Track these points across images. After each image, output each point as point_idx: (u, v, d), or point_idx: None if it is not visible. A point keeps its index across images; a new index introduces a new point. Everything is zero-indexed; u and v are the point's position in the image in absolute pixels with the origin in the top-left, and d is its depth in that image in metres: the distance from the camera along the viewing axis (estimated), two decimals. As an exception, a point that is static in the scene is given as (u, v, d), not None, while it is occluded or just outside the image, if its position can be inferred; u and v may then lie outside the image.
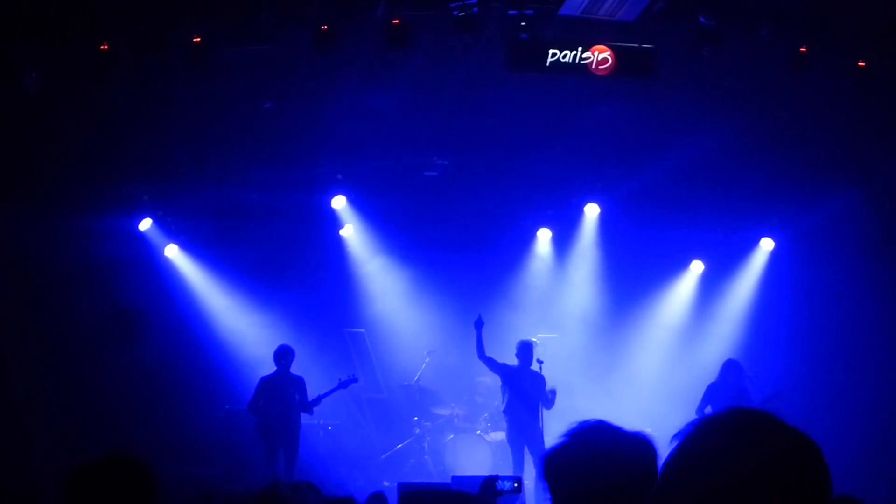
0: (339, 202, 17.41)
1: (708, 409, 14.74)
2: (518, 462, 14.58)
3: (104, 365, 16.06)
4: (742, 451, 2.02)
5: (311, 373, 15.45)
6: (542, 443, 14.24)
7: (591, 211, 18.02)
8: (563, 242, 18.42)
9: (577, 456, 2.90)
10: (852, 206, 16.21)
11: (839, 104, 14.41)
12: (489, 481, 8.15)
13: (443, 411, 16.95)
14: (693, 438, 2.09)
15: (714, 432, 2.09)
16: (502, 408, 15.14)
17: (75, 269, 15.75)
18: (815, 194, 16.45)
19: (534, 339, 15.41)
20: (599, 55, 12.79)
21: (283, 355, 14.86)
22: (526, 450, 14.65)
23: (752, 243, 18.06)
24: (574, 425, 2.99)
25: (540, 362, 14.87)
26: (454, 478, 13.81)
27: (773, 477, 2.00)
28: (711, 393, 14.88)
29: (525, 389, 14.80)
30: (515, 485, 8.99)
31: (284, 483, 5.31)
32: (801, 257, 17.43)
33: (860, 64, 13.48)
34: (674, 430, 2.15)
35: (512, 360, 15.07)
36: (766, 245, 17.97)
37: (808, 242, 17.21)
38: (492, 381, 16.83)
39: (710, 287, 18.25)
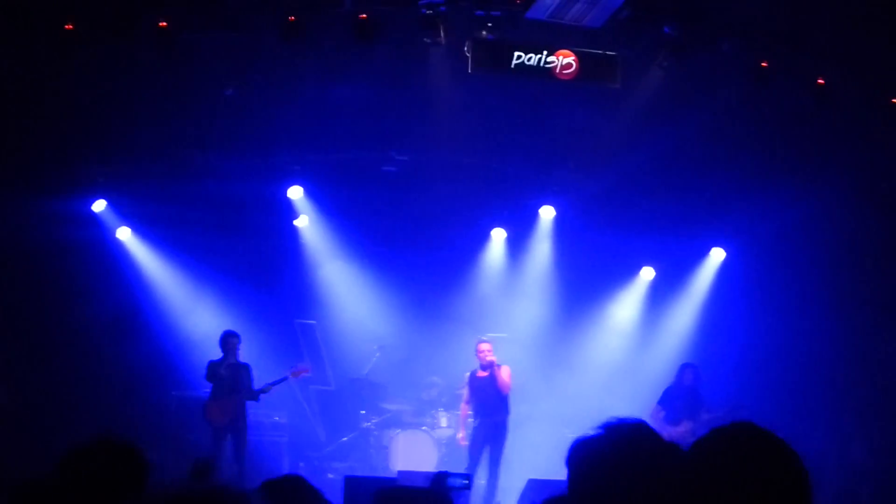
0: (295, 192, 17.34)
1: (661, 413, 14.88)
2: (472, 464, 14.48)
3: (51, 349, 15.91)
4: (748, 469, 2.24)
5: (261, 362, 15.40)
6: (501, 445, 14.33)
7: (547, 213, 18.10)
8: (517, 243, 18.48)
9: (613, 453, 2.79)
10: (805, 217, 16.40)
11: (796, 117, 14.63)
12: (440, 477, 8.17)
13: (390, 406, 16.95)
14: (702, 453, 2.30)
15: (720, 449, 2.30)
16: None
17: (25, 250, 15.57)
18: (769, 203, 16.63)
19: (484, 338, 15.31)
20: (564, 59, 12.91)
21: (229, 340, 14.81)
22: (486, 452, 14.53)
23: (705, 251, 18.23)
24: (613, 419, 2.88)
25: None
26: (400, 473, 13.83)
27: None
28: (667, 396, 15.04)
29: (478, 391, 14.80)
30: (465, 482, 9.03)
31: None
32: (753, 265, 17.63)
33: (819, 81, 13.72)
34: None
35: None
36: (717, 255, 18.16)
37: (761, 250, 17.41)
38: (440, 379, 16.94)
39: (662, 293, 18.40)
